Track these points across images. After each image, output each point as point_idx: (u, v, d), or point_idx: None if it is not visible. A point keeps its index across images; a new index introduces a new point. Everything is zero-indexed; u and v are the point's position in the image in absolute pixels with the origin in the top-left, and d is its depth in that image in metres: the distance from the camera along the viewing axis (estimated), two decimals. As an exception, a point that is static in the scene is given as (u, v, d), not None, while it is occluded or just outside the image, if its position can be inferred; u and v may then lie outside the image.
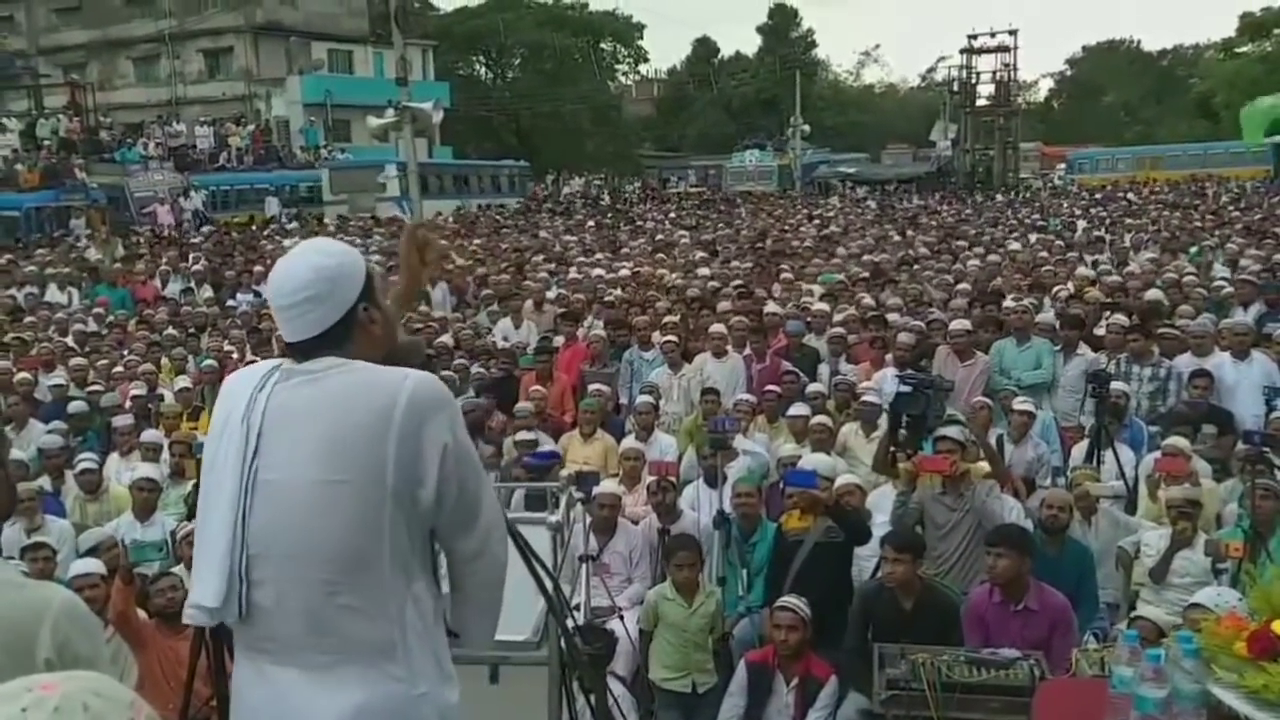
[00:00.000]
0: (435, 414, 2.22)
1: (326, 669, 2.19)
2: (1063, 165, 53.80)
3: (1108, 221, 24.01)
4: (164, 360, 11.12)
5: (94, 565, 5.58)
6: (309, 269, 2.30)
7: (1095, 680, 3.16)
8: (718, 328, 9.97)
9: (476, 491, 2.31)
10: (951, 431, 6.34)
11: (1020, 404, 8.15)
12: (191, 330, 12.56)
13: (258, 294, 15.94)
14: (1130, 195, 34.39)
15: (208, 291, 16.26)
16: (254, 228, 27.76)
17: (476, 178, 41.84)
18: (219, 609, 2.21)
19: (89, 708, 1.04)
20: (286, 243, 22.07)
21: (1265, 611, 2.51)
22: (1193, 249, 17.12)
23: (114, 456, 8.44)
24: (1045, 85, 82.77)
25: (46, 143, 32.28)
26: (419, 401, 2.20)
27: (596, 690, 2.70)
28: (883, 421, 8.05)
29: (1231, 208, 26.39)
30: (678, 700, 5.85)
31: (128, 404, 9.34)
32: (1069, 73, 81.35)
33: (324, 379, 2.24)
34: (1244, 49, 63.70)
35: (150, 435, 8.39)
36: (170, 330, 12.45)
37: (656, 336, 10.16)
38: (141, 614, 5.51)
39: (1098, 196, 34.65)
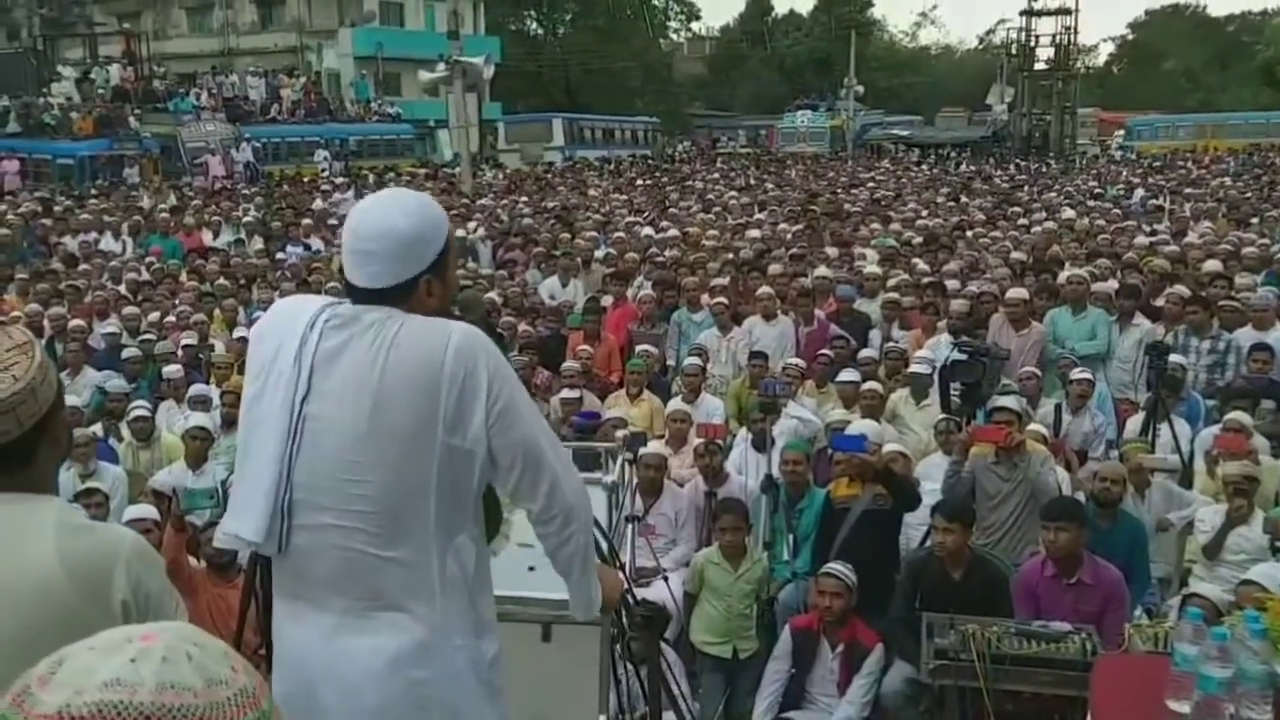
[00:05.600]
0: (479, 363, 2.20)
1: (362, 615, 2.22)
2: (1121, 132, 52.72)
3: (1167, 190, 23.54)
4: (215, 311, 11.21)
5: (147, 511, 5.65)
6: (383, 224, 2.28)
7: (1156, 657, 3.10)
8: (767, 290, 9.89)
9: (530, 445, 2.26)
10: (1008, 401, 6.26)
11: (1079, 373, 8.01)
12: (242, 281, 12.64)
13: (307, 246, 16.05)
14: (1191, 163, 33.68)
15: (258, 243, 16.35)
16: (305, 180, 27.88)
17: (620, 131, 48.03)
18: (259, 544, 2.24)
19: (192, 657, 1.05)
20: (336, 195, 22.18)
21: (1337, 594, 2.44)
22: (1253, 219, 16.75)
23: (165, 405, 8.54)
24: (1105, 50, 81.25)
25: (101, 91, 32.51)
26: (464, 350, 2.19)
27: (649, 653, 2.68)
28: (933, 390, 7.99)
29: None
30: (719, 665, 5.85)
31: (179, 353, 9.44)
32: (1130, 37, 79.63)
33: (375, 327, 2.22)
34: (1313, 16, 62.11)
35: (198, 389, 8.47)
36: (221, 281, 12.53)
37: (705, 298, 10.10)
38: (192, 561, 5.57)
39: (1156, 164, 33.96)
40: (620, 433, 5.34)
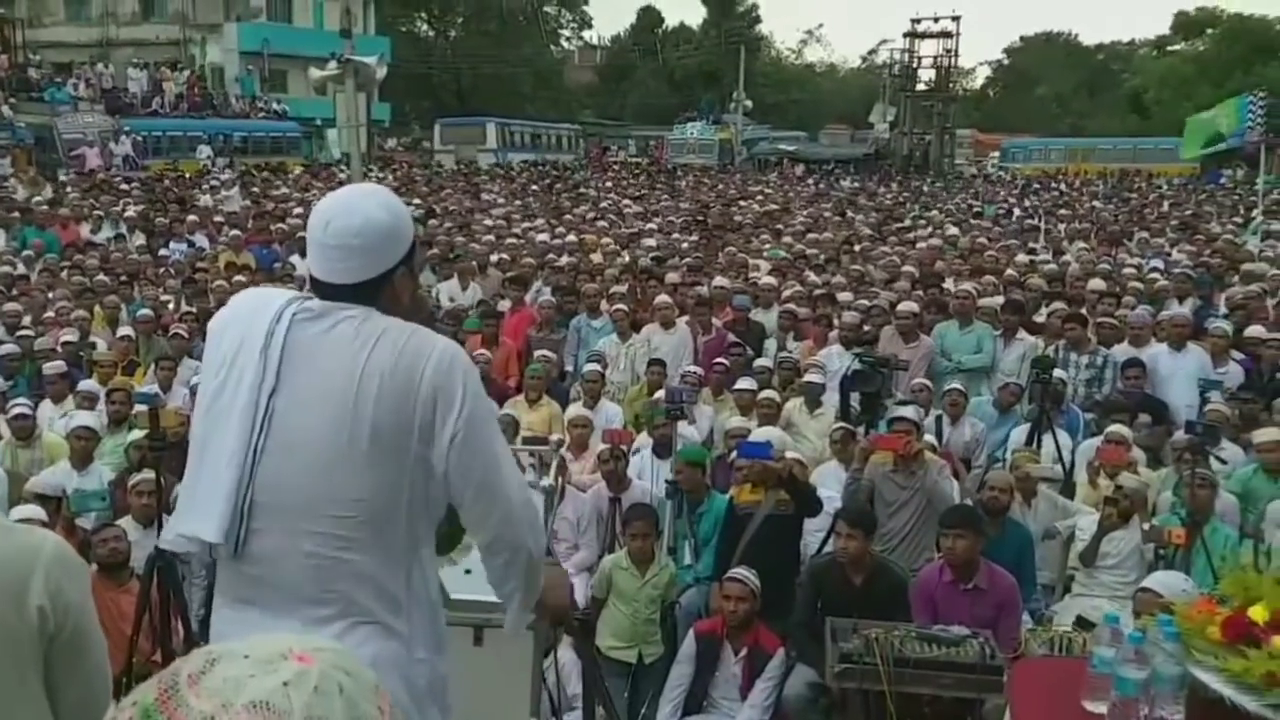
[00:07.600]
0: (456, 380, 2.18)
1: (327, 622, 2.13)
2: (996, 153, 54.45)
3: (1041, 211, 24.38)
4: (96, 308, 10.83)
5: (35, 512, 5.45)
6: (363, 218, 2.23)
7: (1070, 660, 3.22)
8: (664, 298, 9.97)
9: (488, 474, 2.21)
10: (907, 412, 6.41)
11: (951, 384, 8.28)
12: (123, 278, 12.24)
13: (191, 243, 15.62)
14: (1062, 185, 34.98)
15: (140, 239, 15.88)
16: (188, 176, 27.13)
17: (547, 136, 49.48)
18: (221, 544, 2.15)
19: (344, 689, 1.02)
20: (223, 192, 21.63)
21: (1239, 598, 2.56)
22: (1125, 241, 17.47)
23: (47, 403, 8.22)
24: (983, 73, 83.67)
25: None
26: (444, 364, 2.17)
27: (584, 655, 2.69)
28: (826, 399, 8.16)
29: (1164, 202, 26.94)
30: (623, 670, 5.85)
31: (59, 350, 9.10)
32: (1006, 62, 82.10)
33: (355, 327, 2.17)
34: (1176, 47, 64.96)
35: (86, 384, 8.19)
36: (101, 277, 12.12)
37: (605, 305, 10.12)
38: (82, 565, 5.38)
39: (1035, 186, 35.12)
40: (554, 437, 5.32)
